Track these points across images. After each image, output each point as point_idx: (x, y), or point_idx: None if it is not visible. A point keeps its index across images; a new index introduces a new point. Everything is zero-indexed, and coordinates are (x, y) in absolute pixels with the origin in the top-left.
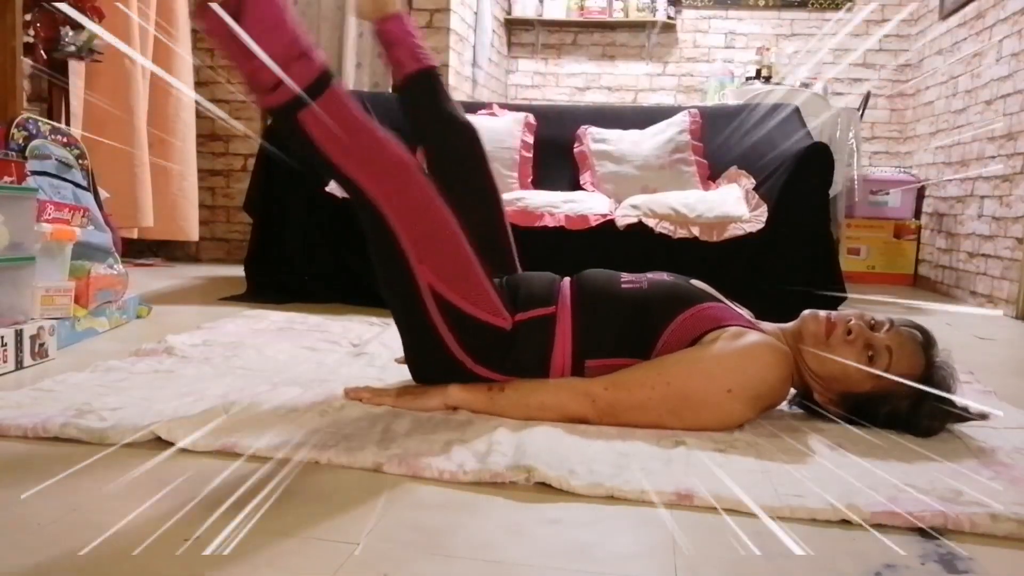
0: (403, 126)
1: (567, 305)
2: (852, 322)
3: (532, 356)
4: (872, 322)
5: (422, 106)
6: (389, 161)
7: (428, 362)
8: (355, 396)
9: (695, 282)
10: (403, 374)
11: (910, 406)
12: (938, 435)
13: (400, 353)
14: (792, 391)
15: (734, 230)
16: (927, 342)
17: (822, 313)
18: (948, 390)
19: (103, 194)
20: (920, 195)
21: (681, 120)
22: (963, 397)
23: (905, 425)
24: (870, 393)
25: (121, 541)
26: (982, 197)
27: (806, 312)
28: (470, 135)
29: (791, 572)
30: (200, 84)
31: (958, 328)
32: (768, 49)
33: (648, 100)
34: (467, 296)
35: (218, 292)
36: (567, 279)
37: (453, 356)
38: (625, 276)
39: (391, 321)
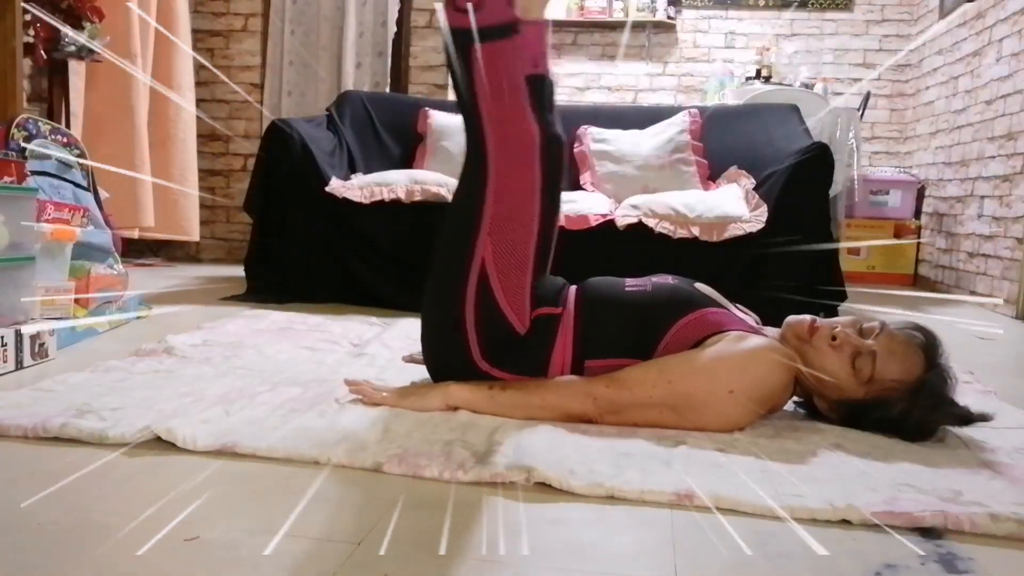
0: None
1: (571, 309)
2: (838, 328)
3: (533, 354)
4: (861, 327)
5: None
6: (522, 130)
7: (439, 338)
8: (356, 389)
9: (700, 286)
10: (403, 374)
11: (900, 412)
12: (937, 436)
13: (405, 352)
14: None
15: (734, 230)
16: (928, 343)
17: (807, 316)
18: (943, 395)
19: (103, 194)
20: (920, 195)
21: (681, 120)
22: (961, 400)
23: (894, 430)
24: (863, 400)
25: (121, 541)
26: (982, 197)
27: (789, 317)
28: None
29: (791, 572)
30: (200, 84)
31: (958, 328)
32: (768, 49)
33: (648, 100)
34: (507, 289)
35: (218, 292)
36: (573, 286)
37: (465, 339)
38: (629, 281)
39: (391, 321)
